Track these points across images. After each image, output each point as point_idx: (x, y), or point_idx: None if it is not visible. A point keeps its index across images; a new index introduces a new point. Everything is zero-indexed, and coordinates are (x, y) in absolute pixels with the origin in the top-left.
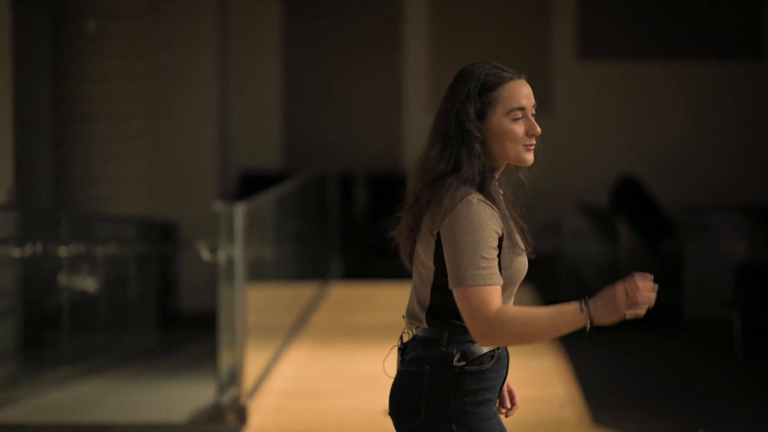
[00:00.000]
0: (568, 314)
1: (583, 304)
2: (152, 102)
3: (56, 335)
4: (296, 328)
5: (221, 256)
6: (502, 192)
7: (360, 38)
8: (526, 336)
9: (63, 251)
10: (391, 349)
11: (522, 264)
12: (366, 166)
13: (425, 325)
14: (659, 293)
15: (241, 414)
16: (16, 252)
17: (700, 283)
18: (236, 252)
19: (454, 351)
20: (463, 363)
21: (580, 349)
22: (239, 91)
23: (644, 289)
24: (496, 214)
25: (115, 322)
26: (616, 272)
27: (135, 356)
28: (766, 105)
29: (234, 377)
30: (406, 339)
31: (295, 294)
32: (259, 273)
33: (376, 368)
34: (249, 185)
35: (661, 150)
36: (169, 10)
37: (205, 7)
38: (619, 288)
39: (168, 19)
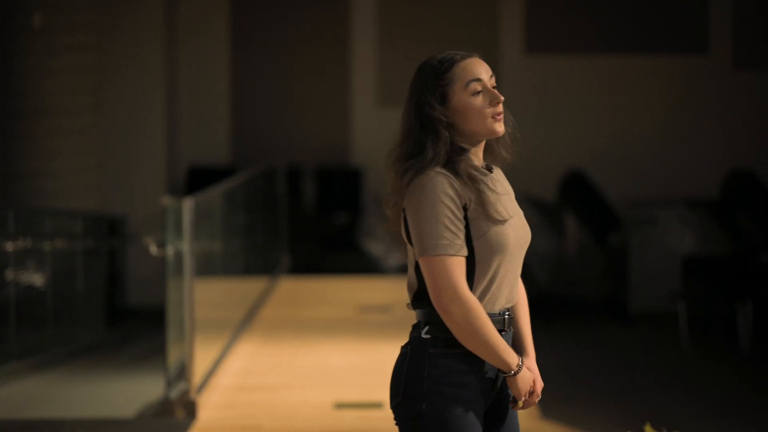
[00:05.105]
0: (506, 356)
1: (519, 366)
2: (100, 96)
3: (3, 330)
4: (245, 323)
5: (169, 250)
6: (485, 166)
7: (308, 34)
8: (469, 330)
9: (10, 246)
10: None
11: (501, 234)
12: (314, 160)
13: (412, 308)
14: (607, 286)
15: (190, 409)
16: None
17: (647, 276)
18: (184, 246)
19: (430, 333)
20: (437, 344)
21: None
22: (187, 85)
23: (535, 400)
24: (455, 183)
25: (63, 317)
26: (563, 265)
27: (83, 351)
28: (711, 99)
29: (182, 372)
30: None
31: (243, 288)
32: (207, 267)
33: (325, 362)
34: (197, 180)
35: (608, 144)
36: (115, 3)
37: (152, 1)
38: (530, 383)
39: (115, 12)
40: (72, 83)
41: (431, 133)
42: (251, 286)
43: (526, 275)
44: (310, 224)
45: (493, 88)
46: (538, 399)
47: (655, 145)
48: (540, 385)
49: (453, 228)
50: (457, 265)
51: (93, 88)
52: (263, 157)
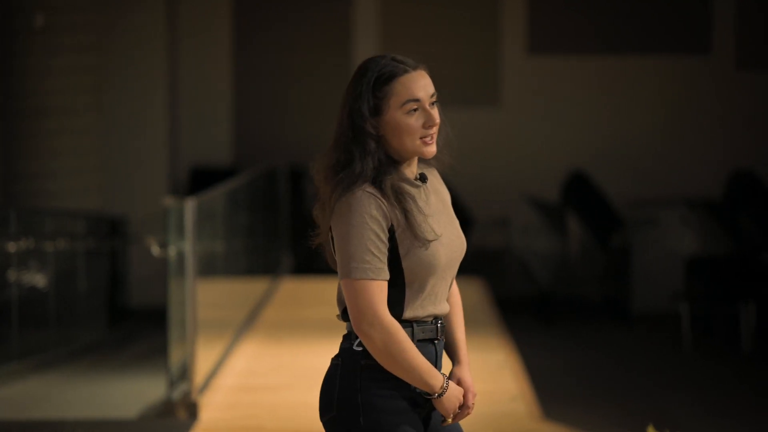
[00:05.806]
0: (429, 379)
1: (444, 386)
2: (100, 96)
3: (5, 331)
4: (247, 323)
5: (171, 251)
6: (418, 176)
7: (309, 35)
8: (389, 354)
9: (11, 246)
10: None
11: (430, 254)
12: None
13: (342, 320)
14: (609, 286)
15: (191, 409)
16: None
17: (649, 276)
18: (186, 247)
19: (362, 344)
20: (369, 356)
21: (531, 343)
22: (189, 85)
23: (466, 413)
24: (383, 205)
25: (65, 317)
26: (565, 266)
27: (84, 351)
28: (713, 99)
29: (184, 372)
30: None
31: (245, 289)
32: (209, 268)
33: (327, 362)
34: (199, 180)
35: (609, 144)
36: (116, 3)
37: (153, 1)
38: (458, 400)
39: (115, 12)
40: (72, 83)
41: (360, 144)
42: (253, 287)
43: (527, 275)
44: (312, 225)
45: (433, 104)
46: (471, 411)
47: (656, 145)
48: (472, 396)
49: (376, 252)
50: (378, 290)
51: (93, 88)
52: (265, 158)
